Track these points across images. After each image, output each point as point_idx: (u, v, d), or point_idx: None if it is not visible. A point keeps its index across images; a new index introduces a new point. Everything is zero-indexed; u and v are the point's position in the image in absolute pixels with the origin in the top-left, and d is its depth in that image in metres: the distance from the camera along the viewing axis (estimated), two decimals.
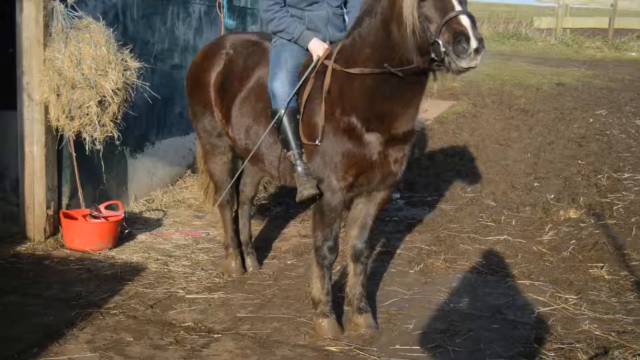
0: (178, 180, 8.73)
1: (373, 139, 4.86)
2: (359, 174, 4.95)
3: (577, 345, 4.96)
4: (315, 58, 5.18)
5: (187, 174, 8.88)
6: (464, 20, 4.16)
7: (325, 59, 5.11)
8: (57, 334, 5.01)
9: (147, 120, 8.08)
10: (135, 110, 7.22)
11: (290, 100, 5.14)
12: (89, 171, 7.17)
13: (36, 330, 5.07)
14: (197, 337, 5.07)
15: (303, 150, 5.12)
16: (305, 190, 5.04)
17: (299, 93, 5.16)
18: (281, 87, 5.19)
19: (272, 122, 5.20)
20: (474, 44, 4.09)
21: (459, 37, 4.11)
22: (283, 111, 5.12)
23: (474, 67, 4.17)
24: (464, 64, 4.13)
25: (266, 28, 5.56)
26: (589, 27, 26.93)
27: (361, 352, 4.88)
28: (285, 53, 5.31)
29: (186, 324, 5.27)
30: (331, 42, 5.30)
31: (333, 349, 4.94)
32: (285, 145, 5.20)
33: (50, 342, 4.89)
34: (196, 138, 6.86)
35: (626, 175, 9.25)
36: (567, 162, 10.03)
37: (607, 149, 10.60)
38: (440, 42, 4.18)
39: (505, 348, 4.96)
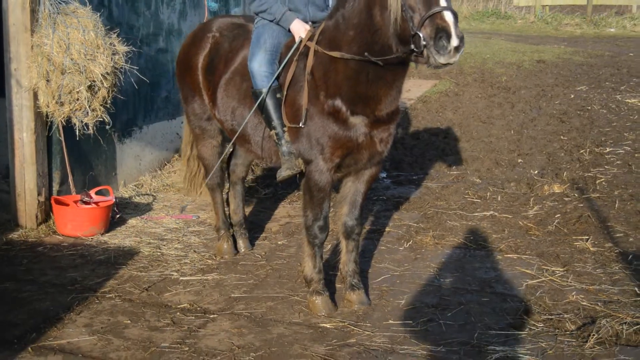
0: (166, 164, 8.77)
1: (358, 122, 4.94)
2: (346, 155, 5.03)
3: (565, 316, 5.09)
4: (297, 40, 5.24)
5: (175, 158, 8.91)
6: (448, 16, 4.22)
7: (307, 40, 5.18)
8: (55, 318, 5.08)
9: (134, 104, 8.11)
10: (122, 94, 7.23)
11: (272, 80, 5.22)
12: (79, 157, 7.21)
13: (33, 315, 5.13)
14: (193, 317, 5.16)
15: (285, 128, 5.21)
16: (283, 171, 5.19)
17: (281, 74, 5.24)
18: (258, 67, 5.27)
19: (256, 104, 5.28)
20: (454, 41, 4.16)
21: (441, 33, 4.18)
22: (265, 91, 5.20)
23: (452, 64, 4.25)
24: (442, 60, 4.20)
25: (248, 9, 5.62)
26: (568, 4, 27.17)
27: (355, 328, 4.99)
28: (265, 34, 5.39)
29: (182, 306, 5.35)
30: (313, 23, 5.36)
31: (327, 325, 5.04)
32: (268, 124, 5.31)
33: (48, 326, 4.97)
34: (183, 123, 6.92)
35: (608, 149, 9.41)
36: (549, 138, 10.19)
37: (589, 124, 10.77)
38: (421, 35, 4.25)
39: (496, 320, 5.09)
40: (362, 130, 4.95)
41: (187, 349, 4.68)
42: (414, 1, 4.32)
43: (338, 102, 4.91)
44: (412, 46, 4.35)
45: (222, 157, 6.20)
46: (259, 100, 5.24)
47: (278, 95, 5.23)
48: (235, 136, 5.65)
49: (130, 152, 8.16)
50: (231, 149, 6.22)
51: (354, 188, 5.38)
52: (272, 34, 5.38)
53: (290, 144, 5.19)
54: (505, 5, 27.53)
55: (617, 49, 18.38)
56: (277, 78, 5.26)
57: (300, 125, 5.06)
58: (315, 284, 5.28)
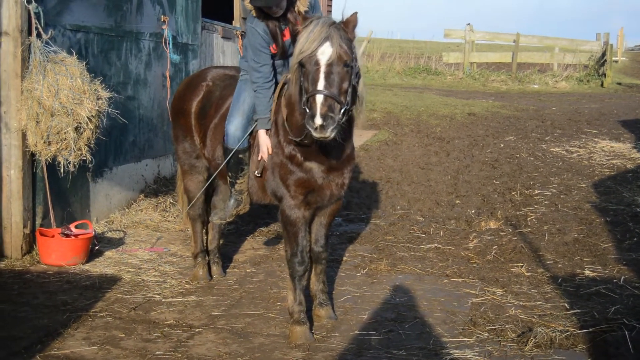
0: (133, 203, 9.35)
1: (314, 167, 5.61)
2: (308, 192, 5.67)
3: (507, 326, 5.88)
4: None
5: (140, 198, 9.51)
6: (318, 99, 4.93)
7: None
8: (55, 333, 5.62)
9: (105, 147, 8.70)
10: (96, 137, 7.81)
11: (242, 140, 6.02)
12: (58, 194, 7.75)
13: (35, 331, 5.65)
14: (181, 331, 5.76)
15: (239, 180, 6.09)
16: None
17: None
18: (234, 130, 6.04)
19: (226, 160, 6.09)
20: (318, 121, 4.86)
21: (310, 113, 4.95)
22: (234, 149, 6.02)
23: (326, 138, 4.92)
24: (315, 134, 4.94)
25: (204, 63, 6.23)
26: (494, 62, 28.79)
27: (326, 338, 5.67)
28: (245, 92, 6.09)
29: (168, 322, 5.95)
30: None
31: None
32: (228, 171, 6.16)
33: (50, 339, 5.50)
34: (173, 161, 7.55)
35: (537, 191, 10.39)
36: (483, 182, 11.13)
37: (518, 170, 11.78)
38: (307, 111, 5.03)
39: (448, 330, 5.85)
40: (319, 174, 5.63)
41: (180, 355, 5.28)
42: (305, 83, 5.11)
43: (294, 150, 5.63)
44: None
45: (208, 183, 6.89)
46: (228, 157, 6.05)
47: (240, 156, 6.02)
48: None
49: (102, 191, 8.74)
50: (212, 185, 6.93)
51: (318, 221, 6.08)
52: (251, 92, 6.04)
53: (239, 194, 6.13)
54: (435, 62, 28.99)
55: (541, 104, 19.73)
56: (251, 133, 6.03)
57: (256, 174, 5.90)
58: (297, 314, 5.76)
